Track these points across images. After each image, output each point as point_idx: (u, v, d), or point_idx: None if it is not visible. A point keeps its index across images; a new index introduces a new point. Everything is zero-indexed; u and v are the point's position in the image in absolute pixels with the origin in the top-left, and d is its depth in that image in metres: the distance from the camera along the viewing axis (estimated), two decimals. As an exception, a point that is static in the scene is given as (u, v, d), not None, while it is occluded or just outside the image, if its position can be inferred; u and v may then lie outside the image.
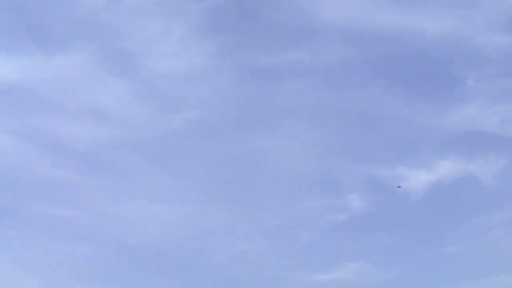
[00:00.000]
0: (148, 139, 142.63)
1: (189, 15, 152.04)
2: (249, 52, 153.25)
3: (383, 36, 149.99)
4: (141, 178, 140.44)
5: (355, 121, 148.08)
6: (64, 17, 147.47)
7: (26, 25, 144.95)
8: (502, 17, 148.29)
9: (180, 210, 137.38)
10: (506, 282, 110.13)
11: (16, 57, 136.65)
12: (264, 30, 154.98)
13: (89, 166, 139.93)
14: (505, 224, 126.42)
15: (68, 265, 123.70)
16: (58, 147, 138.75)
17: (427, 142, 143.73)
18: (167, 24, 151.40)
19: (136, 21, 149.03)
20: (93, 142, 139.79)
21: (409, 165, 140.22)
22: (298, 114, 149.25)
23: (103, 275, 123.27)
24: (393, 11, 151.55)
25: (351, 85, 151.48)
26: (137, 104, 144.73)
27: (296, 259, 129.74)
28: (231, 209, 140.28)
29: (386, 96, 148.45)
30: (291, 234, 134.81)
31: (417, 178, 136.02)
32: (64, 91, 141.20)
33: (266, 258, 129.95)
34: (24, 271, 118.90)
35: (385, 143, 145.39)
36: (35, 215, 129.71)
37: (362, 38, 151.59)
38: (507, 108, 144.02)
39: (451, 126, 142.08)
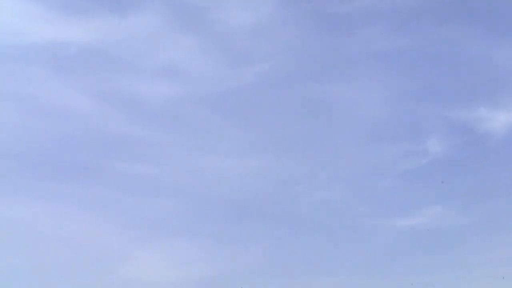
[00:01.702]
0: (220, 94, 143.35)
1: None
2: (317, 0, 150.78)
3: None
4: (216, 132, 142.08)
5: (432, 63, 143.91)
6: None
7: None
8: None
9: (256, 162, 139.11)
10: None
11: (91, 19, 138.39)
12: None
13: (164, 123, 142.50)
14: None
15: (149, 219, 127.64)
16: (133, 106, 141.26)
17: (508, 81, 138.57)
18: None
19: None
20: (167, 99, 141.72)
21: (490, 106, 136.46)
22: (372, 60, 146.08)
23: (183, 227, 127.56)
24: None
25: (427, 26, 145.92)
26: (208, 59, 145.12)
27: (375, 205, 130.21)
28: (308, 159, 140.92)
29: (464, 35, 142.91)
30: (370, 181, 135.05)
31: (499, 119, 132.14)
32: (137, 51, 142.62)
33: (345, 206, 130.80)
34: (108, 226, 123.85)
35: (464, 84, 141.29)
36: (114, 173, 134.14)
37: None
38: None
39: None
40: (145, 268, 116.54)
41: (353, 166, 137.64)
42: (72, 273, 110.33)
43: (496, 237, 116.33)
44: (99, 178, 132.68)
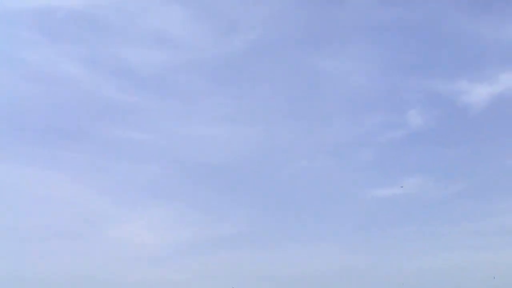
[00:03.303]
0: (211, 61, 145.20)
1: None
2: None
3: None
4: (205, 100, 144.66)
5: (417, 37, 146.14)
6: None
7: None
8: None
9: (244, 129, 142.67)
10: None
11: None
12: None
13: (155, 89, 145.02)
14: None
15: (137, 183, 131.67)
16: (124, 72, 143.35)
17: (490, 55, 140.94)
18: None
19: None
20: (158, 65, 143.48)
21: (471, 79, 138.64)
22: (360, 32, 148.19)
23: (171, 192, 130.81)
24: None
25: (414, 1, 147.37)
26: (198, 27, 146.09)
27: (356, 175, 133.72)
28: (294, 128, 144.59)
29: (450, 10, 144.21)
30: (352, 151, 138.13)
31: (479, 92, 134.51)
32: (127, 17, 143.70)
33: (327, 175, 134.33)
34: (96, 189, 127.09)
35: (447, 58, 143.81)
36: (103, 138, 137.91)
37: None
38: None
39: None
40: (131, 231, 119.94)
41: (336, 135, 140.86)
42: (60, 234, 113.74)
43: (474, 209, 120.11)
44: (88, 143, 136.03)
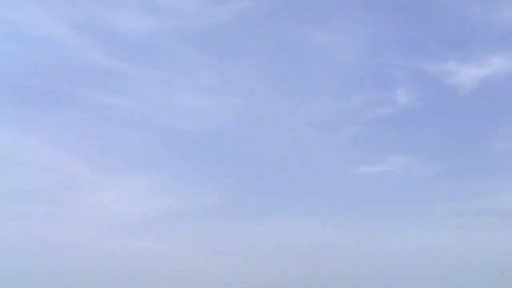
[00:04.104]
0: (199, 30, 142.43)
1: None
2: None
3: None
4: (192, 69, 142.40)
5: (406, 16, 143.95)
6: None
7: None
8: None
9: (229, 100, 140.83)
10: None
11: None
12: None
13: (140, 56, 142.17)
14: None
15: (117, 150, 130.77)
16: (112, 37, 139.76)
17: (479, 37, 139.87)
18: None
19: None
20: (144, 32, 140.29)
21: (460, 60, 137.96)
22: (350, 8, 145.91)
23: (152, 160, 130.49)
24: None
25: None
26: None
27: (342, 151, 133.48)
28: (280, 100, 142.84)
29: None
30: (338, 127, 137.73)
31: (467, 73, 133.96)
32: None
33: (312, 150, 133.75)
34: (76, 156, 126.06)
35: (436, 38, 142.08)
36: (88, 103, 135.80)
37: None
38: None
39: (507, 21, 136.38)
40: (110, 199, 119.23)
41: (321, 111, 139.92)
42: (36, 199, 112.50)
43: (458, 189, 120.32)
44: (69, 107, 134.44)
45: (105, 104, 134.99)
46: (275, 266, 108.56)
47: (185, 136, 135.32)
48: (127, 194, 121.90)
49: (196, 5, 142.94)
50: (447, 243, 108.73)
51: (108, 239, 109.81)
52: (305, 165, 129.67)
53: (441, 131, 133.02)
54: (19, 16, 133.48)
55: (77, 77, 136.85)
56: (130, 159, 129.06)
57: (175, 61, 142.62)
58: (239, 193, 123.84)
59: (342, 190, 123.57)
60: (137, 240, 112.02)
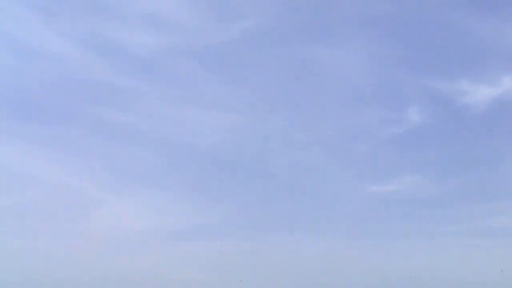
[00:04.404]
0: (206, 47, 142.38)
1: None
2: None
3: None
4: (198, 85, 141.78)
5: (418, 32, 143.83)
6: None
7: None
8: None
9: (237, 118, 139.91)
10: None
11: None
12: None
13: (147, 73, 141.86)
14: None
15: (125, 167, 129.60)
16: (118, 54, 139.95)
17: (492, 56, 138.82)
18: None
19: None
20: (151, 49, 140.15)
21: (472, 79, 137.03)
22: (359, 24, 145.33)
23: (159, 177, 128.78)
24: None
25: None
26: (194, 11, 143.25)
27: (352, 170, 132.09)
28: (288, 118, 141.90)
29: (451, 7, 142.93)
30: (348, 145, 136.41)
31: (479, 93, 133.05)
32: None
33: (321, 168, 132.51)
34: (84, 172, 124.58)
35: (448, 56, 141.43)
36: (94, 119, 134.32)
37: None
38: None
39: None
40: (118, 215, 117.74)
41: (332, 129, 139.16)
42: (46, 215, 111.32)
43: (469, 209, 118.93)
44: (78, 123, 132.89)
45: (112, 120, 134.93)
46: (282, 283, 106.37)
47: (191, 152, 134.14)
48: (134, 212, 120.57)
49: (202, 23, 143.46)
50: (457, 263, 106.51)
51: (113, 256, 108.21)
52: (313, 183, 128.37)
53: (452, 150, 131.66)
54: (24, 32, 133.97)
55: (83, 93, 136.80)
56: (136, 175, 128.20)
57: (181, 78, 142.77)
58: (248, 211, 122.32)
59: (351, 208, 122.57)
60: (144, 258, 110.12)
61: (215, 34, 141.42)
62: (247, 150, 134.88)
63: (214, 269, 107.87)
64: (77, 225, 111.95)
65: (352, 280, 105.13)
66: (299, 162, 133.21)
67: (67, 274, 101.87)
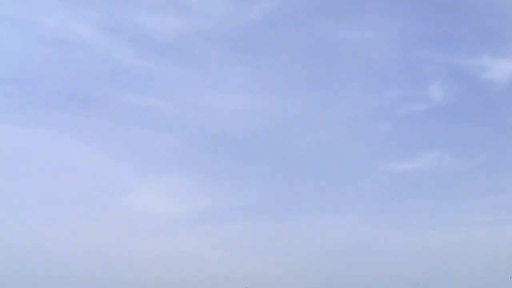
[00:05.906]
0: (228, 30, 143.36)
1: None
2: None
3: None
4: (222, 68, 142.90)
5: (438, 9, 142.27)
6: None
7: None
8: None
9: (260, 100, 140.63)
10: None
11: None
12: None
13: (172, 57, 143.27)
14: None
15: (151, 151, 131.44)
16: (140, 38, 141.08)
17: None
18: None
19: None
20: (174, 33, 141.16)
21: (494, 54, 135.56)
22: (381, 2, 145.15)
23: (186, 160, 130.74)
24: None
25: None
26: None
27: (375, 148, 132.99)
28: (311, 99, 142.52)
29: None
30: (371, 124, 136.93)
31: (501, 68, 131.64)
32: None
33: (343, 148, 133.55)
34: (111, 157, 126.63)
35: (469, 32, 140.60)
36: (119, 105, 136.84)
37: None
38: None
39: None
40: (146, 200, 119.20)
41: (353, 108, 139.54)
42: (74, 202, 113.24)
43: (492, 184, 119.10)
44: (103, 108, 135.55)
45: (135, 105, 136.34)
46: (307, 262, 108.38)
47: (217, 135, 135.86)
48: (163, 195, 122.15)
49: (225, 6, 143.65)
50: (483, 239, 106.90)
51: (142, 240, 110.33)
52: (337, 163, 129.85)
53: (474, 126, 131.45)
54: (50, 20, 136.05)
55: (108, 79, 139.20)
56: (162, 159, 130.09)
57: (205, 62, 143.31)
58: (269, 192, 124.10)
59: (375, 186, 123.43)
60: (173, 241, 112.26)
61: (237, 17, 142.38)
62: (268, 133, 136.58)
63: (239, 249, 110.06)
64: (106, 210, 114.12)
65: (376, 260, 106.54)
66: (322, 142, 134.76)
67: (97, 259, 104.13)
